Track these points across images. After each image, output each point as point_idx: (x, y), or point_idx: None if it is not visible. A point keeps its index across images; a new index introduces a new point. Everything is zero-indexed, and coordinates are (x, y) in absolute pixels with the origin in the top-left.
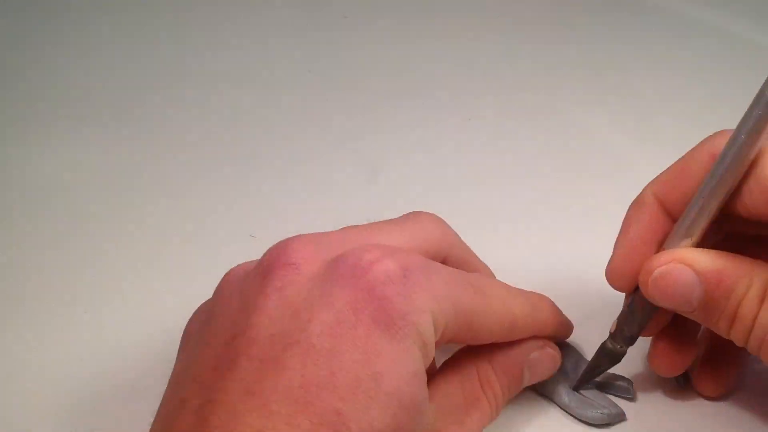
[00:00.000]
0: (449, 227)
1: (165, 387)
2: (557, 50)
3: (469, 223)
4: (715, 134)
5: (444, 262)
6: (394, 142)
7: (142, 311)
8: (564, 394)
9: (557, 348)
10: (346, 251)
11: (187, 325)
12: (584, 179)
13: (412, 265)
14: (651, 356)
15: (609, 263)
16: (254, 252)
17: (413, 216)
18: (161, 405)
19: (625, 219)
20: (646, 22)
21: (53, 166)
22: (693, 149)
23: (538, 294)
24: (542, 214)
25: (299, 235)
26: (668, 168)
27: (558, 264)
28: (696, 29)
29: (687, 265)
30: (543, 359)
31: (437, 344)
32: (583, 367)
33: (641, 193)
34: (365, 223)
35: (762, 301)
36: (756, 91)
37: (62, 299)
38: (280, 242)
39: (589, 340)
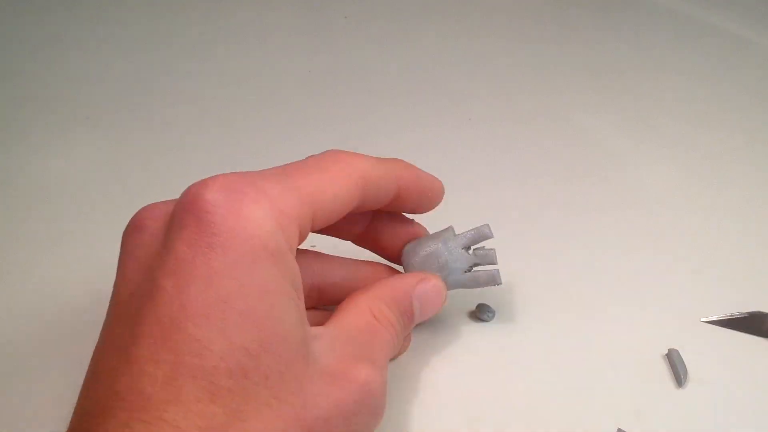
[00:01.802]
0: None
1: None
2: (557, 50)
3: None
4: None
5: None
6: (394, 142)
7: None
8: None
9: (440, 280)
10: (183, 193)
11: None
12: (584, 179)
13: (236, 181)
14: None
15: None
16: None
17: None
18: None
19: None
20: (646, 22)
21: (53, 166)
22: None
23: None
24: (542, 215)
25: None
26: None
27: (558, 264)
28: (696, 29)
29: None
30: (428, 290)
31: (310, 230)
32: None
33: None
34: None
35: None
36: (756, 91)
37: (62, 298)
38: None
39: (588, 338)
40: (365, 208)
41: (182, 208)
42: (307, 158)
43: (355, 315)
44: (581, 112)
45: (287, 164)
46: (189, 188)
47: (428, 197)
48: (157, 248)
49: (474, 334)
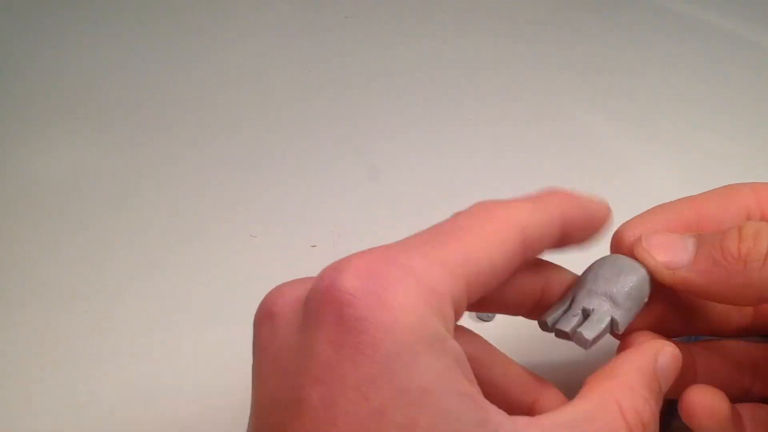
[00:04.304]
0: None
1: (162, 386)
2: (557, 50)
3: None
4: None
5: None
6: (394, 142)
7: (143, 310)
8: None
9: (674, 345)
10: (315, 279)
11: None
12: (584, 179)
13: (376, 261)
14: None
15: (630, 227)
16: (254, 252)
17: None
18: None
19: (655, 207)
20: (646, 22)
21: (53, 166)
22: (735, 185)
23: (545, 190)
24: None
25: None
26: (706, 192)
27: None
28: (696, 29)
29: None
30: (670, 362)
31: (467, 308)
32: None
33: (679, 200)
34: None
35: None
36: (756, 91)
37: (62, 298)
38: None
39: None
40: (532, 254)
41: (318, 300)
42: (454, 216)
43: (594, 404)
44: (581, 112)
45: (433, 227)
46: (323, 273)
47: (597, 229)
48: (293, 344)
49: None
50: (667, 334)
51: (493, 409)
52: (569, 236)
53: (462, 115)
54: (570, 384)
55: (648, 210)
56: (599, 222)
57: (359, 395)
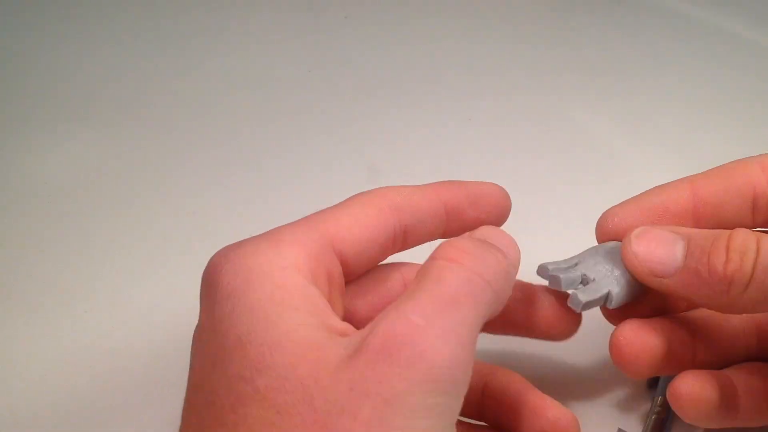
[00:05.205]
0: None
1: (160, 387)
2: (557, 50)
3: None
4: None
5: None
6: (394, 142)
7: (143, 311)
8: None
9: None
10: None
11: None
12: (584, 179)
13: (242, 241)
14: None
15: (612, 213)
16: None
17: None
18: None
19: (650, 190)
20: (646, 22)
21: (53, 166)
22: (744, 160)
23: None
24: (541, 215)
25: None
26: (710, 170)
27: None
28: (696, 29)
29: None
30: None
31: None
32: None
33: (677, 180)
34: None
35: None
36: (756, 91)
37: (62, 298)
38: None
39: (587, 346)
40: (420, 237)
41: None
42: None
43: (421, 267)
44: (581, 112)
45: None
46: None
47: (484, 205)
48: None
49: None
50: None
51: (329, 312)
52: (459, 217)
53: (462, 115)
54: (566, 385)
55: (640, 194)
56: (488, 200)
57: (210, 333)
